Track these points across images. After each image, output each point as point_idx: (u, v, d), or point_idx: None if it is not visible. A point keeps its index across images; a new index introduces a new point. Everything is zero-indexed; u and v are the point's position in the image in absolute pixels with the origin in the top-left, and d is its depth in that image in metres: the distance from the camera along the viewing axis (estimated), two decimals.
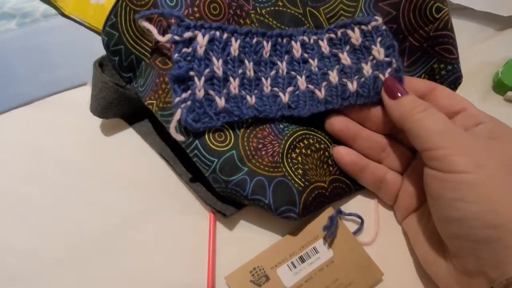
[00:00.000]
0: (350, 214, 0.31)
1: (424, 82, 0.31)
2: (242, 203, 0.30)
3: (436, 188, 0.25)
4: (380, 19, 0.32)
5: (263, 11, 0.34)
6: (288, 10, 0.34)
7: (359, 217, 0.31)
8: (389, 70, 0.31)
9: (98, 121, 0.34)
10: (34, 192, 0.31)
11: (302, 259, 0.29)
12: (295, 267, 0.29)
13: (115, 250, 0.30)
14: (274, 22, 0.34)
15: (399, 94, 0.29)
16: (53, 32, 0.38)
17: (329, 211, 0.31)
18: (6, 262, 0.29)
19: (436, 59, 0.33)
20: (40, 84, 0.36)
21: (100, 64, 0.32)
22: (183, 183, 0.32)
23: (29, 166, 0.32)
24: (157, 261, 0.29)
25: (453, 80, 0.33)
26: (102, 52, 0.32)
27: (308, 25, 0.34)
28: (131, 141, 0.34)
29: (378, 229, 0.31)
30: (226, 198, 0.30)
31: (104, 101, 0.32)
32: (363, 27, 0.32)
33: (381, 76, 0.31)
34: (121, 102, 0.32)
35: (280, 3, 0.34)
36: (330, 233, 0.29)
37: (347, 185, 0.32)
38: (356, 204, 0.32)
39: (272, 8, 0.34)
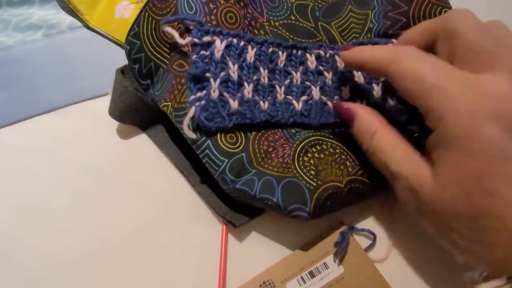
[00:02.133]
0: (362, 230, 0.31)
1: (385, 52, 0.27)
2: (254, 212, 0.31)
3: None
4: (396, 42, 0.32)
5: (276, 23, 0.35)
6: (301, 24, 0.36)
7: (372, 233, 0.31)
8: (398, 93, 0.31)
9: (117, 129, 0.35)
10: (53, 197, 0.32)
11: (312, 274, 0.29)
12: (304, 282, 0.29)
13: (127, 258, 0.30)
14: (288, 34, 0.35)
15: (349, 121, 0.29)
16: (78, 44, 0.40)
17: (341, 228, 0.31)
18: (26, 265, 0.29)
19: None
20: (64, 93, 0.37)
21: (122, 71, 0.34)
22: (197, 194, 0.32)
23: (50, 171, 0.33)
24: (168, 270, 0.30)
25: None
26: (124, 63, 0.33)
27: (320, 37, 0.35)
28: (149, 150, 0.34)
29: (391, 246, 0.31)
30: (238, 208, 0.31)
31: (123, 104, 0.33)
32: None
33: (389, 99, 0.31)
34: (139, 107, 0.33)
35: (293, 17, 0.36)
36: (341, 249, 0.29)
37: (367, 186, 0.30)
38: (370, 219, 0.32)
39: (285, 21, 0.35)
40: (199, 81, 0.29)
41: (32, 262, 0.30)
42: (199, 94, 0.29)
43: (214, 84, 0.29)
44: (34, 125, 0.35)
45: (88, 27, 0.41)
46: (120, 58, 0.33)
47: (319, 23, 0.36)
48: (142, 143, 0.35)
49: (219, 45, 0.30)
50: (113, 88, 0.34)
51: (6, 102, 0.36)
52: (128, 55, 0.32)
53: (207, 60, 0.29)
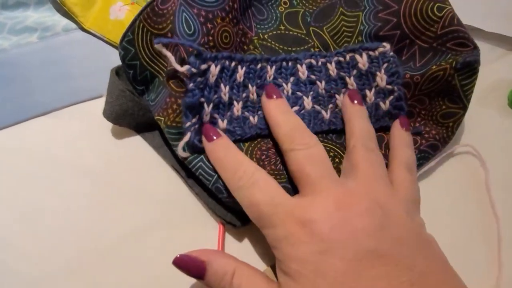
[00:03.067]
0: None
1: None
2: None
3: None
4: (387, 46, 0.32)
5: (265, 36, 0.35)
6: (291, 33, 0.35)
7: None
8: (390, 98, 0.32)
9: (113, 131, 0.35)
10: (48, 199, 0.32)
11: None
12: None
13: (124, 259, 0.30)
14: (277, 45, 0.35)
15: (200, 273, 0.26)
16: (73, 46, 0.39)
17: None
18: (19, 268, 0.29)
19: (450, 55, 0.32)
20: (59, 95, 0.37)
21: (117, 72, 0.33)
22: (194, 195, 0.32)
23: (45, 173, 0.33)
24: (166, 270, 0.29)
25: (471, 61, 0.31)
26: (119, 64, 0.33)
27: (312, 43, 0.35)
28: (145, 152, 0.34)
29: None
30: (236, 210, 0.30)
31: (120, 108, 0.32)
32: (370, 52, 0.32)
33: (381, 104, 0.32)
34: (135, 110, 0.33)
35: (282, 27, 0.35)
36: None
37: None
38: None
39: (275, 32, 0.35)
40: (194, 107, 0.29)
41: (26, 265, 0.29)
42: (193, 120, 0.29)
43: (207, 109, 0.29)
44: (29, 128, 0.35)
45: (83, 29, 0.40)
46: (116, 60, 0.33)
47: (311, 28, 0.36)
48: (139, 144, 0.35)
49: (214, 71, 0.29)
50: (108, 90, 0.33)
51: (1, 104, 0.36)
52: (123, 60, 0.32)
53: (202, 86, 0.29)
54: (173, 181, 0.33)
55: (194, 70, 0.29)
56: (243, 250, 0.31)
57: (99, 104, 0.36)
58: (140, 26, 0.31)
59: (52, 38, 0.40)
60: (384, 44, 0.32)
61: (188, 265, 0.25)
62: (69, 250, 0.30)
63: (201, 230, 0.31)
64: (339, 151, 0.31)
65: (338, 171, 0.30)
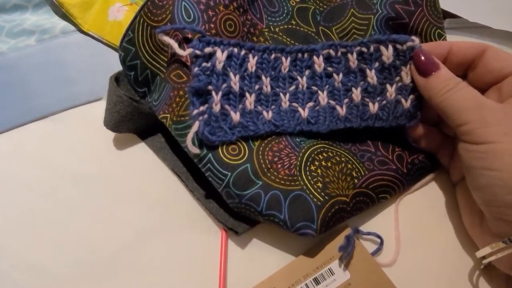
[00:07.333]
0: (368, 234, 0.30)
1: (474, 45, 0.30)
2: (255, 220, 0.29)
3: (466, 158, 0.26)
4: (417, 40, 0.30)
5: (276, 29, 0.34)
6: (301, 29, 0.35)
7: (379, 236, 0.30)
8: (411, 96, 0.30)
9: (112, 135, 0.34)
10: (46, 206, 0.31)
11: (316, 281, 0.28)
12: None
13: (125, 266, 0.29)
14: (288, 39, 0.34)
15: (430, 71, 0.28)
16: (71, 48, 0.39)
17: (346, 231, 0.29)
18: (15, 277, 0.28)
19: None
20: (57, 99, 0.36)
21: (116, 79, 0.33)
22: (195, 200, 0.31)
23: (43, 179, 0.32)
24: (167, 278, 0.29)
25: None
26: (118, 67, 0.32)
27: (322, 43, 0.34)
28: (144, 156, 0.33)
29: (399, 249, 0.30)
30: (238, 215, 0.29)
31: (118, 114, 0.32)
32: (398, 45, 0.30)
33: (403, 101, 0.30)
34: (135, 116, 0.32)
35: (293, 22, 0.35)
36: (347, 254, 0.28)
37: (371, 198, 0.30)
38: (376, 222, 0.31)
39: (286, 26, 0.34)
40: (201, 94, 0.28)
41: (20, 273, 0.29)
42: (201, 108, 0.28)
43: (216, 97, 0.28)
44: (28, 132, 0.35)
45: (81, 31, 0.40)
46: (114, 62, 0.32)
47: (320, 27, 0.35)
48: (138, 149, 0.34)
49: (221, 56, 0.28)
50: (107, 97, 0.32)
51: None
52: (123, 62, 0.31)
53: (208, 72, 0.28)
54: (173, 186, 0.32)
55: (198, 52, 0.28)
56: (245, 256, 0.30)
57: (98, 107, 0.35)
58: (141, 22, 0.30)
59: (50, 41, 0.39)
60: (413, 37, 0.30)
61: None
62: (70, 257, 0.29)
63: (203, 236, 0.30)
64: (349, 157, 0.30)
65: (352, 177, 0.29)
